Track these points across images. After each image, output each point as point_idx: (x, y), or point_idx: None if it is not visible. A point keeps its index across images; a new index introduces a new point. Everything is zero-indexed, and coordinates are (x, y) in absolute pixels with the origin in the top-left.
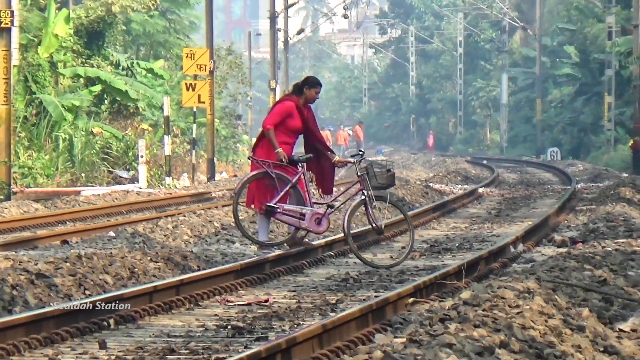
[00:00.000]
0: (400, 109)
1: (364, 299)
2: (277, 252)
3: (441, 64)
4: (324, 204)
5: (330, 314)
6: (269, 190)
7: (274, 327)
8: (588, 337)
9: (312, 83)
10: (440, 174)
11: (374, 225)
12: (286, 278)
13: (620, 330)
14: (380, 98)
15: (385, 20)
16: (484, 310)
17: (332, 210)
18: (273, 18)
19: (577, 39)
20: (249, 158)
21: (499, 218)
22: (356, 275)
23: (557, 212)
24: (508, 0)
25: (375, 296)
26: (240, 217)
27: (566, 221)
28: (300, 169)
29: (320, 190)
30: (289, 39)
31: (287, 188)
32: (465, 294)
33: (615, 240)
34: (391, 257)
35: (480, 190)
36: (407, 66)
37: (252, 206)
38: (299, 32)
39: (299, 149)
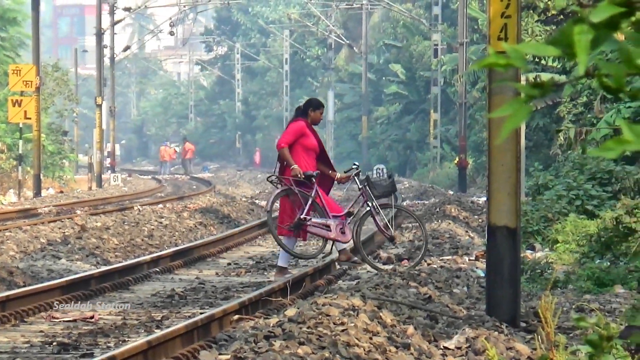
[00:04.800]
0: (226, 126)
1: (189, 316)
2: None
3: (267, 81)
4: (341, 215)
5: (156, 330)
6: (295, 206)
7: (100, 343)
8: (413, 354)
9: (316, 105)
10: (267, 191)
11: (385, 233)
12: (112, 294)
13: (445, 347)
14: (207, 115)
15: (211, 37)
16: (308, 327)
17: (351, 218)
18: (99, 35)
19: (403, 57)
20: (268, 179)
21: None
22: (182, 291)
23: None
24: (334, 18)
25: (201, 313)
26: None
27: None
28: (314, 183)
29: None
30: (115, 55)
31: (310, 201)
32: (290, 311)
33: (441, 258)
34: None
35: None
36: (233, 83)
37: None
38: (125, 49)
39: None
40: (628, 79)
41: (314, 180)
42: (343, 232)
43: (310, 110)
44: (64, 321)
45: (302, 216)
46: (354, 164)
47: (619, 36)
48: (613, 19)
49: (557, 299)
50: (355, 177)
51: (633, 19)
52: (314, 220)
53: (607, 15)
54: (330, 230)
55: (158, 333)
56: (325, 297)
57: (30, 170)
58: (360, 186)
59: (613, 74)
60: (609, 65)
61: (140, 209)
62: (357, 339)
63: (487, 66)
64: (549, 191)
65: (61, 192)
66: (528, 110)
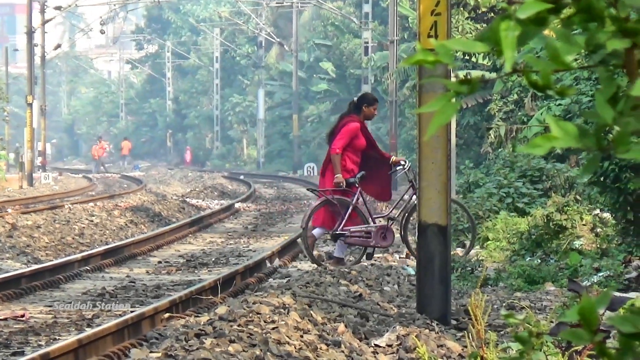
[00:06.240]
0: (157, 124)
1: (120, 314)
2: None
3: (198, 80)
4: (384, 217)
5: (87, 328)
6: (335, 215)
7: (30, 342)
8: (344, 352)
9: (370, 100)
10: (197, 189)
11: None
12: (42, 293)
13: (376, 345)
14: (137, 113)
15: (141, 35)
16: (239, 325)
17: (393, 222)
18: (30, 33)
19: (334, 55)
20: (311, 190)
21: (256, 233)
22: (112, 290)
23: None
24: (264, 16)
25: (132, 311)
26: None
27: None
28: (357, 187)
29: (380, 199)
30: (46, 54)
31: (350, 210)
32: (221, 309)
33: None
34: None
35: (237, 205)
36: (163, 81)
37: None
38: (56, 48)
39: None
40: (557, 76)
41: (356, 185)
42: (384, 237)
43: (364, 106)
44: None
45: (337, 230)
46: (403, 161)
47: (549, 33)
48: (541, 15)
49: (487, 297)
50: (407, 172)
51: (561, 15)
52: (352, 229)
53: (534, 12)
54: (371, 238)
55: (89, 331)
56: (256, 296)
57: None
58: (409, 178)
59: (540, 70)
60: (537, 61)
61: (71, 207)
62: (288, 336)
63: (416, 63)
64: (479, 189)
65: None
66: (456, 107)
